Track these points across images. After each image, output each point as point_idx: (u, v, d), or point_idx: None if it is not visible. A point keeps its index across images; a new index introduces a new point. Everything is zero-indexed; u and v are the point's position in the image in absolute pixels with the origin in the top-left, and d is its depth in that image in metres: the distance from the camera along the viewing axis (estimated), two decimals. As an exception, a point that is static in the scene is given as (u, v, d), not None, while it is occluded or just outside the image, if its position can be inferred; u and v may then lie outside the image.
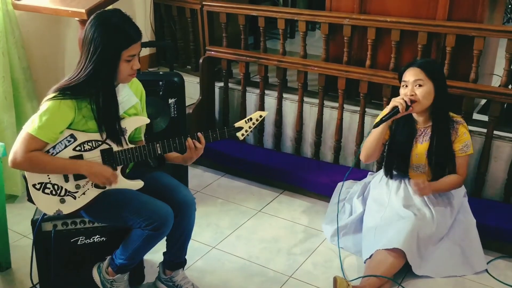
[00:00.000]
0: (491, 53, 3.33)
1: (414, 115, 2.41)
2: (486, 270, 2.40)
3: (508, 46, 2.64)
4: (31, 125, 1.82)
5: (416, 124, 2.43)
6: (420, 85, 2.30)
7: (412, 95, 2.30)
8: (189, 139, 1.96)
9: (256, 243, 2.63)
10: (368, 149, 2.41)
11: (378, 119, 2.47)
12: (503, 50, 2.69)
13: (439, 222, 2.36)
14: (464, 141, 2.38)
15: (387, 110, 2.33)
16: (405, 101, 2.28)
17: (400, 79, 2.40)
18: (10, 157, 1.83)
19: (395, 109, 2.29)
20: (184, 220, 2.07)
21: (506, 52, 2.66)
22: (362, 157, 2.47)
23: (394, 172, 2.50)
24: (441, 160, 2.39)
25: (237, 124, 1.99)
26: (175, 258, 2.19)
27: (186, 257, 2.22)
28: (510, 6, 6.08)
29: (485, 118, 2.87)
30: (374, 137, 2.38)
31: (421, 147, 2.40)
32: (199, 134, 1.97)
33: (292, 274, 2.40)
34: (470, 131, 2.52)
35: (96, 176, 1.90)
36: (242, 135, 1.98)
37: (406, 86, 2.33)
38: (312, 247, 2.60)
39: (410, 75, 2.32)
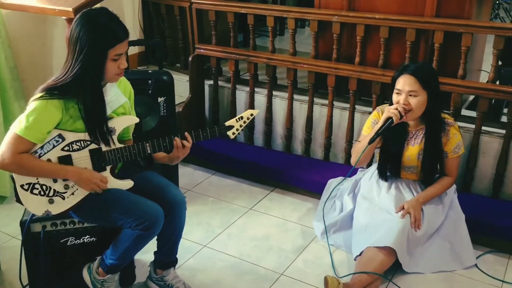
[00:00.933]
0: (479, 49, 3.35)
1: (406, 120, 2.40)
2: (476, 265, 2.43)
3: (496, 42, 2.66)
4: (18, 126, 1.80)
5: (408, 127, 2.42)
6: (414, 95, 2.27)
7: (406, 104, 2.28)
8: (176, 138, 1.95)
9: (247, 241, 2.63)
10: (359, 156, 2.38)
11: (368, 123, 2.45)
12: (491, 46, 2.71)
13: (429, 220, 2.37)
14: (456, 142, 2.38)
15: (381, 121, 2.31)
16: (399, 111, 2.26)
17: (393, 84, 2.35)
18: None
19: (389, 120, 2.27)
20: (174, 220, 2.07)
21: (494, 48, 2.68)
22: (353, 162, 2.46)
23: (388, 174, 2.50)
24: (432, 162, 2.39)
25: (227, 123, 1.99)
26: (166, 258, 2.18)
27: (177, 256, 2.21)
28: (497, 2, 6.13)
29: (473, 114, 2.89)
30: (369, 147, 2.34)
31: (412, 149, 2.41)
32: (186, 133, 1.96)
33: (283, 271, 2.41)
34: (459, 127, 2.53)
35: (85, 182, 1.90)
36: (233, 133, 1.98)
37: (400, 94, 2.30)
38: (303, 245, 2.60)
39: (405, 84, 2.27)
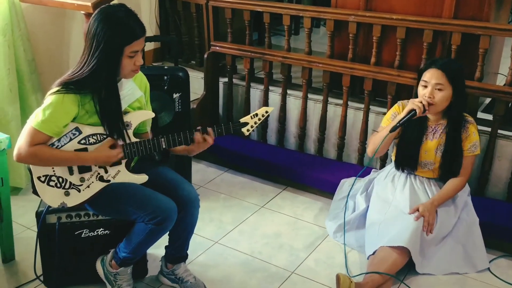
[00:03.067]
0: (497, 52, 3.32)
1: (428, 114, 2.40)
2: (488, 269, 2.41)
3: (514, 45, 2.63)
4: (34, 119, 1.82)
5: (428, 121, 2.42)
6: (440, 89, 2.28)
7: (430, 97, 2.29)
8: (197, 133, 1.95)
9: (258, 238, 2.64)
10: (377, 145, 2.38)
11: (388, 115, 2.45)
12: (509, 49, 2.69)
13: (442, 221, 2.36)
14: (473, 140, 2.38)
15: (404, 112, 2.32)
16: (423, 105, 2.27)
17: (419, 77, 2.37)
18: (15, 152, 1.83)
19: (412, 112, 2.28)
20: (187, 216, 2.08)
21: (511, 51, 2.66)
22: (369, 152, 2.48)
23: (405, 168, 2.49)
24: (451, 159, 2.39)
25: (242, 120, 1.99)
26: (177, 252, 2.20)
27: (188, 251, 2.23)
28: (515, 5, 6.05)
29: (489, 117, 2.86)
30: (388, 137, 2.35)
31: (431, 144, 2.41)
32: (209, 129, 1.96)
33: (294, 270, 2.41)
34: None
35: (104, 163, 1.93)
36: (248, 130, 1.99)
37: (426, 86, 2.31)
38: (314, 243, 2.60)
39: (432, 76, 2.29)
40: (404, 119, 2.30)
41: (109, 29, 1.80)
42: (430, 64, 2.35)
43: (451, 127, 2.37)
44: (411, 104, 2.30)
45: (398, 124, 2.31)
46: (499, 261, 2.48)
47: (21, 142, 1.83)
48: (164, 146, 1.96)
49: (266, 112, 1.98)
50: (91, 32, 1.82)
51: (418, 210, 2.32)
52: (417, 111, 2.27)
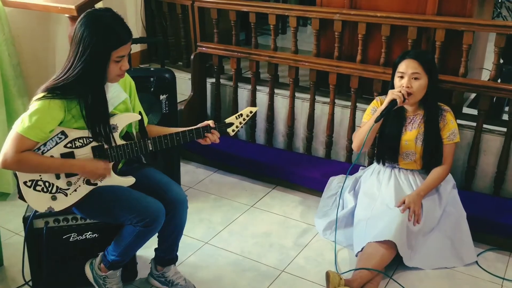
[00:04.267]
0: (481, 47, 3.35)
1: (405, 104, 2.43)
2: (476, 262, 2.43)
3: (497, 40, 2.66)
4: (20, 125, 1.81)
5: (406, 112, 2.47)
6: (416, 78, 2.34)
7: (408, 86, 2.34)
8: (208, 134, 1.97)
9: (248, 238, 2.64)
10: (363, 139, 2.41)
11: (368, 111, 2.49)
12: (492, 44, 2.71)
13: (428, 211, 2.39)
14: (451, 128, 2.44)
15: (385, 103, 2.37)
16: (403, 94, 2.33)
17: (394, 69, 2.43)
18: (0, 158, 1.81)
19: (392, 102, 2.34)
20: (175, 218, 2.08)
21: (495, 46, 2.69)
22: (355, 147, 2.51)
23: (386, 160, 2.53)
24: (431, 147, 2.43)
25: (227, 120, 2.00)
26: (167, 254, 2.19)
27: (178, 253, 2.23)
28: (500, 1, 6.12)
29: (474, 112, 2.89)
30: (372, 129, 2.39)
31: (410, 134, 2.45)
32: (210, 122, 1.98)
33: (285, 268, 2.42)
34: (460, 125, 2.56)
35: (90, 174, 1.91)
36: (233, 130, 2.00)
37: (402, 77, 2.37)
38: (304, 242, 2.61)
39: (408, 67, 2.36)
40: (386, 109, 2.35)
41: (96, 34, 1.79)
42: (404, 55, 2.41)
43: (428, 116, 2.42)
44: (391, 94, 2.36)
45: (380, 115, 2.36)
46: (487, 254, 2.51)
47: (7, 148, 1.81)
48: (151, 148, 1.96)
49: (251, 112, 1.99)
50: (77, 37, 1.81)
51: (404, 202, 2.35)
52: (397, 100, 2.33)
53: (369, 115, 2.51)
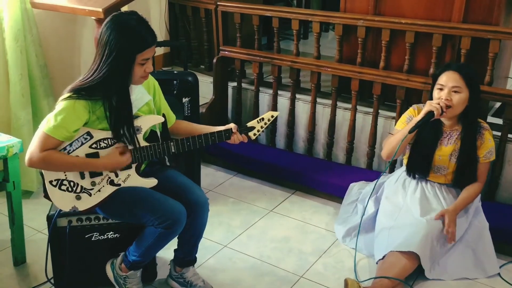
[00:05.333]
0: (507, 55, 3.30)
1: (442, 118, 2.39)
2: (499, 274, 2.39)
3: (524, 49, 2.62)
4: (46, 125, 1.85)
5: (443, 126, 2.41)
6: (457, 92, 2.28)
7: (448, 100, 2.28)
8: (234, 135, 1.98)
9: (267, 242, 2.64)
10: (395, 148, 2.35)
11: (403, 119, 2.44)
12: (519, 53, 2.67)
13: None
14: (489, 147, 2.38)
15: (421, 113, 2.31)
16: (441, 107, 2.27)
17: (434, 81, 2.36)
18: (26, 157, 1.86)
19: (429, 114, 2.28)
20: (196, 220, 2.09)
21: (522, 55, 2.65)
22: (384, 154, 2.45)
23: (416, 173, 2.48)
24: (465, 165, 2.37)
25: (249, 124, 2.01)
26: (186, 256, 2.21)
27: (197, 255, 2.24)
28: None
29: (499, 121, 2.85)
30: (405, 139, 2.33)
31: (445, 149, 2.39)
32: (233, 126, 2.00)
33: (303, 274, 2.41)
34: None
35: (114, 169, 1.95)
36: (254, 134, 2.00)
37: (442, 89, 2.31)
38: (323, 248, 2.60)
39: (449, 79, 2.29)
40: (422, 120, 2.28)
41: (122, 37, 1.82)
42: (445, 67, 2.34)
43: (466, 133, 2.36)
44: (429, 105, 2.29)
45: (415, 126, 2.30)
46: (510, 266, 2.46)
47: (33, 147, 1.85)
48: (173, 151, 1.97)
49: (272, 116, 2.00)
50: (103, 40, 1.84)
51: (442, 215, 2.31)
52: (435, 112, 2.26)
53: (403, 123, 2.44)
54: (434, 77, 2.39)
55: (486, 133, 2.37)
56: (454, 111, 2.31)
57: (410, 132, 2.30)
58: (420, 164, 2.44)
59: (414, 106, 2.49)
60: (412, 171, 2.48)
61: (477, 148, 2.37)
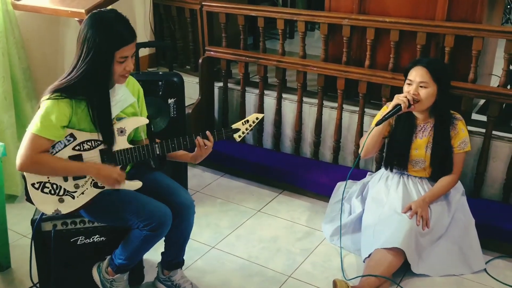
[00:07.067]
0: (490, 53, 3.33)
1: (412, 111, 2.43)
2: (485, 270, 2.41)
3: (507, 47, 2.64)
4: (34, 126, 1.82)
5: (416, 120, 2.46)
6: (424, 86, 2.34)
7: (415, 94, 2.34)
8: (198, 137, 1.96)
9: (255, 243, 2.64)
10: (367, 145, 2.45)
11: (378, 116, 2.49)
12: (502, 50, 2.70)
13: (437, 217, 2.37)
14: (462, 137, 2.42)
15: (389, 107, 2.37)
16: (408, 100, 2.32)
17: (405, 75, 2.43)
18: (18, 161, 1.82)
19: (397, 107, 2.34)
20: (182, 223, 2.08)
21: (505, 53, 2.67)
22: (362, 153, 2.51)
23: (394, 167, 2.52)
24: (441, 156, 2.41)
25: (234, 126, 2.00)
26: (173, 258, 2.19)
27: (184, 257, 2.23)
28: (509, 6, 6.09)
29: (484, 118, 2.87)
30: (374, 133, 2.42)
31: (420, 142, 2.43)
32: (208, 132, 1.97)
33: (291, 274, 2.41)
34: (469, 131, 2.54)
35: (104, 179, 1.91)
36: (239, 136, 1.99)
37: (410, 84, 2.38)
38: (311, 247, 2.60)
39: (417, 75, 2.36)
40: (390, 113, 2.35)
41: (99, 34, 1.79)
42: (415, 62, 2.41)
43: (439, 125, 2.41)
44: (396, 99, 2.35)
45: (382, 119, 2.36)
46: (496, 262, 2.49)
47: (24, 150, 1.82)
48: (158, 152, 1.96)
49: (257, 118, 1.99)
50: (81, 38, 1.82)
51: (410, 208, 2.34)
52: (402, 105, 2.32)
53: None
54: (405, 72, 2.45)
55: (459, 123, 2.42)
56: (422, 105, 2.37)
57: (377, 124, 2.37)
58: (397, 158, 2.49)
59: (388, 103, 2.53)
60: (389, 164, 2.53)
61: (451, 138, 2.41)
